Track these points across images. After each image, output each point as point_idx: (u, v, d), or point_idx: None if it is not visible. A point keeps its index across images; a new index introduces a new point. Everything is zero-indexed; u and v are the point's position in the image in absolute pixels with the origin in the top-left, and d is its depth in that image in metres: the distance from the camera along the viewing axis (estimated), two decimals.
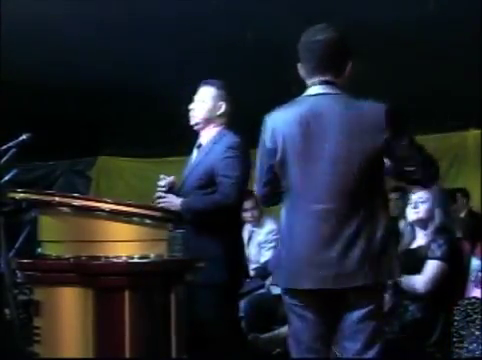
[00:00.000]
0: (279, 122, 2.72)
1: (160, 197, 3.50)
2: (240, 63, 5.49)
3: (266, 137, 2.75)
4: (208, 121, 3.58)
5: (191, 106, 3.61)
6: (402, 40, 5.40)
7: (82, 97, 6.35)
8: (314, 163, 2.65)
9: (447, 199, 4.25)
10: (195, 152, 3.65)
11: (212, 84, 3.60)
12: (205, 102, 3.57)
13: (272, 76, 5.56)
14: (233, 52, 5.42)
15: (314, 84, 2.75)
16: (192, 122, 3.61)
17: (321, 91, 2.73)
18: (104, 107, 6.57)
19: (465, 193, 6.72)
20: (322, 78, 2.74)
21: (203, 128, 3.60)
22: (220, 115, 3.59)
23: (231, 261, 3.41)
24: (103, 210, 2.67)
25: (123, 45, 5.49)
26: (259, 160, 2.81)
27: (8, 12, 4.77)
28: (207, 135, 3.59)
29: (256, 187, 2.86)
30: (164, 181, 3.57)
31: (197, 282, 3.14)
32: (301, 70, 2.80)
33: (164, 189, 3.53)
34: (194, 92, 3.62)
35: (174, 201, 3.44)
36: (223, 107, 3.58)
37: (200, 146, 3.61)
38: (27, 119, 5.27)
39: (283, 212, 2.77)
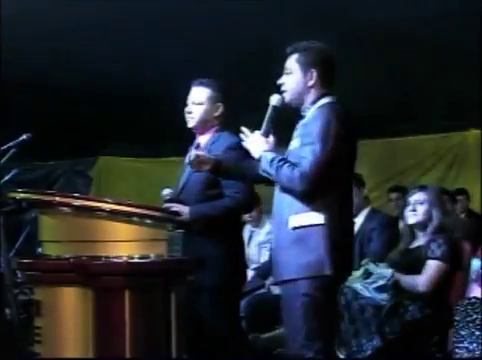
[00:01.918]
0: (349, 122, 2.86)
1: (167, 207, 3.38)
2: (240, 62, 5.49)
3: (344, 132, 2.80)
4: (206, 123, 3.53)
5: (188, 109, 3.54)
6: (402, 40, 5.40)
7: (82, 97, 6.35)
8: (349, 168, 2.95)
9: (444, 199, 4.26)
10: (193, 152, 3.62)
11: (207, 85, 3.53)
12: (202, 104, 3.51)
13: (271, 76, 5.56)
14: (233, 51, 5.42)
15: (328, 95, 2.92)
16: (190, 125, 3.55)
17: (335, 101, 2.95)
18: (105, 107, 6.57)
19: (466, 194, 6.71)
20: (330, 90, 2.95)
21: (201, 131, 3.55)
22: (217, 116, 3.55)
23: (233, 262, 3.40)
24: (103, 210, 2.67)
25: (123, 45, 5.49)
26: (330, 151, 2.75)
27: (8, 12, 4.77)
28: (205, 135, 3.56)
29: (315, 173, 2.75)
30: (168, 190, 3.50)
31: (200, 283, 3.15)
32: (317, 78, 2.91)
33: (168, 198, 3.45)
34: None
35: (182, 209, 3.34)
36: (221, 108, 3.54)
37: (198, 146, 3.57)
38: (27, 119, 5.28)
39: (326, 208, 2.82)
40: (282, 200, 2.89)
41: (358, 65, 5.43)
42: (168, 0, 4.92)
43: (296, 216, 2.82)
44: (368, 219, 4.87)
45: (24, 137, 3.31)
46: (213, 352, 3.35)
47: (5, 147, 3.22)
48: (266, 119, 2.91)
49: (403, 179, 7.18)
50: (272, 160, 2.83)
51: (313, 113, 2.88)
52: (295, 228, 2.82)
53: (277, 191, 2.94)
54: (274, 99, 2.93)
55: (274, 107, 2.92)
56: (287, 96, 2.93)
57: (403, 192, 5.97)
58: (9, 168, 3.26)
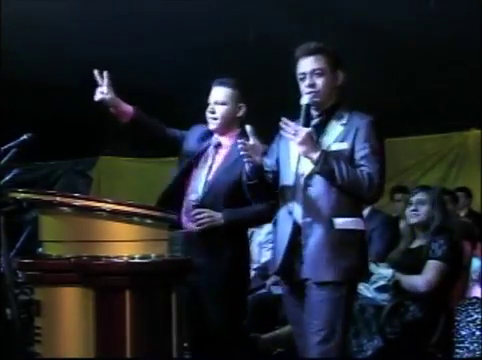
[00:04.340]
0: None
1: (198, 213, 3.29)
2: (241, 63, 5.49)
3: None
4: (229, 124, 3.38)
5: (210, 109, 3.39)
6: (402, 39, 5.40)
7: (83, 97, 6.34)
8: None
9: (445, 199, 4.26)
10: (212, 151, 3.44)
11: (229, 85, 3.39)
12: (226, 104, 3.37)
13: (272, 76, 5.56)
14: (234, 52, 5.42)
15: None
16: (212, 126, 3.40)
17: None
18: (105, 107, 6.56)
19: (467, 192, 6.71)
20: None
21: (223, 132, 3.41)
22: (240, 117, 3.41)
23: (241, 263, 3.35)
24: (104, 210, 2.67)
25: (124, 45, 5.50)
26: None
27: (8, 11, 4.78)
28: (227, 136, 3.40)
29: (382, 182, 2.86)
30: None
31: (207, 283, 3.17)
32: (341, 81, 2.98)
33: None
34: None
35: (215, 216, 3.27)
36: (243, 109, 3.40)
37: (219, 146, 3.43)
38: (28, 119, 5.28)
39: (361, 215, 2.99)
40: (321, 200, 2.84)
41: (359, 65, 5.43)
42: (169, 0, 4.93)
43: (341, 219, 2.83)
44: (369, 219, 4.86)
45: (25, 137, 3.29)
46: (216, 352, 3.35)
47: (6, 147, 3.21)
48: (302, 117, 2.86)
49: (404, 179, 7.18)
50: (338, 160, 2.81)
51: (356, 120, 2.90)
52: (340, 231, 2.82)
53: (306, 190, 2.87)
54: (305, 99, 2.88)
55: (307, 105, 2.87)
56: (320, 97, 2.90)
57: (406, 192, 5.96)
58: (10, 168, 3.25)
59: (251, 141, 2.87)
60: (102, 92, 3.35)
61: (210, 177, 3.37)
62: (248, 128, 2.90)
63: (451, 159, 7.50)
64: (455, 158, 7.49)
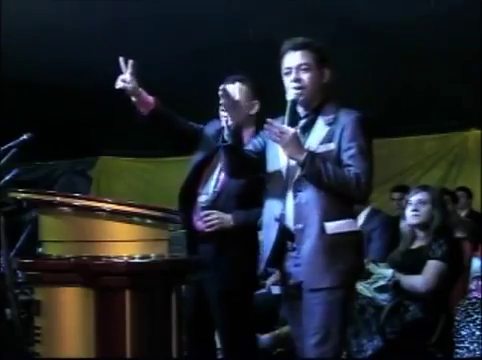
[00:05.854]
0: None
1: (208, 215, 3.26)
2: (241, 62, 5.49)
3: None
4: (242, 121, 3.19)
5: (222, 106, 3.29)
6: (402, 40, 5.40)
7: (83, 97, 6.35)
8: None
9: (445, 199, 4.25)
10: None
11: (242, 81, 3.28)
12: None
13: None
14: (234, 51, 5.42)
15: (331, 98, 2.94)
16: (224, 123, 3.27)
17: None
18: (105, 107, 6.57)
19: (467, 192, 6.72)
20: None
21: None
22: (253, 114, 3.35)
23: (250, 262, 3.31)
24: (104, 210, 2.67)
25: (124, 44, 5.49)
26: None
27: (9, 11, 4.78)
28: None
29: (370, 182, 2.81)
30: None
31: (217, 282, 3.17)
32: (328, 78, 2.92)
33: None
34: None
35: (224, 218, 3.25)
36: (257, 106, 3.36)
37: None
38: (28, 119, 5.28)
39: (354, 215, 3.04)
40: (311, 205, 2.77)
41: (358, 65, 5.43)
42: (168, 1, 4.93)
43: (333, 223, 2.77)
44: (369, 219, 4.86)
45: (24, 137, 3.29)
46: (213, 352, 3.34)
47: (6, 147, 3.22)
48: (288, 115, 2.80)
49: (404, 179, 7.19)
50: (325, 161, 2.75)
51: (342, 118, 2.82)
52: (332, 235, 2.77)
53: (296, 195, 2.81)
54: (290, 94, 2.83)
55: (293, 101, 2.82)
56: (305, 93, 2.84)
57: (406, 192, 5.96)
58: (10, 168, 3.25)
59: (237, 97, 2.85)
60: (124, 80, 3.20)
61: (222, 176, 3.33)
62: (238, 85, 2.90)
63: (451, 159, 7.50)
64: (455, 158, 7.49)
